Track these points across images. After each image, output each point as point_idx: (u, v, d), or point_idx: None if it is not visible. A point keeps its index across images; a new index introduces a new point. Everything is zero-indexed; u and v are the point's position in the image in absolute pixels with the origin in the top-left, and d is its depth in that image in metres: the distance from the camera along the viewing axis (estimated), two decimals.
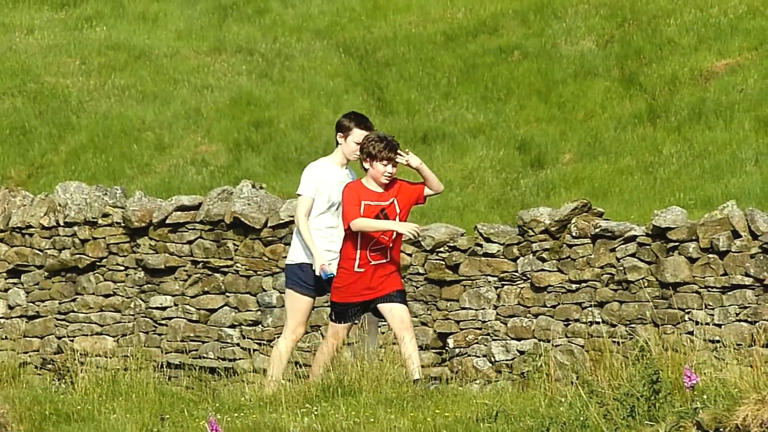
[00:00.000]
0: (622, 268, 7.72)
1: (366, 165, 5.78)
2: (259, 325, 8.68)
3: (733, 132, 14.88)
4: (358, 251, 5.69)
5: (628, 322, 7.67)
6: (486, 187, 15.10)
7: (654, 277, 7.63)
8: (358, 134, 6.02)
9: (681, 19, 17.73)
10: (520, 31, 18.90)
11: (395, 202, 5.81)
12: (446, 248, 8.17)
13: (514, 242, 7.90)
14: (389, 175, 5.71)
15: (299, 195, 6.07)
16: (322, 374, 5.65)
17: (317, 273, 5.80)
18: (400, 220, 5.78)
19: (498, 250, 7.98)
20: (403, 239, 6.06)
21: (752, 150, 14.27)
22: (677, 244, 7.55)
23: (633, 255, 7.71)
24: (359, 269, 5.72)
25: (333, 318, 5.95)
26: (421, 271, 8.28)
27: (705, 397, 3.19)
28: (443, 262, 8.06)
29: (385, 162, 5.65)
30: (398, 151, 5.78)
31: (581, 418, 3.48)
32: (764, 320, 7.16)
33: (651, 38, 17.60)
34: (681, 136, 15.27)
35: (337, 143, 6.17)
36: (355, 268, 5.71)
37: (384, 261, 5.77)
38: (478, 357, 7.94)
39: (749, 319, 7.27)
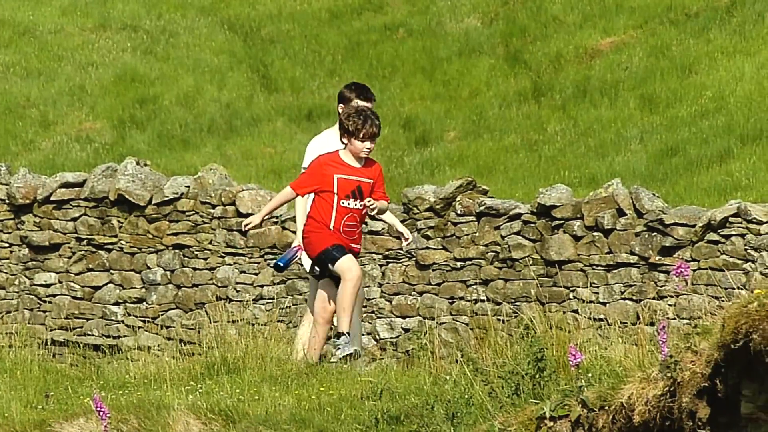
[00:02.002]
0: (506, 246, 7.80)
1: (344, 140, 5.56)
2: (144, 303, 8.70)
3: (618, 110, 15.00)
4: (333, 222, 5.46)
5: (512, 300, 7.74)
6: None
7: (539, 255, 7.71)
8: (359, 105, 5.81)
9: None
10: (405, 9, 18.79)
11: (372, 183, 5.61)
12: None
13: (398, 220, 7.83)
14: (368, 150, 5.53)
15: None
16: (323, 351, 5.60)
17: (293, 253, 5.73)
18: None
19: (382, 228, 7.96)
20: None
21: (637, 128, 14.43)
22: (562, 222, 7.64)
23: (518, 233, 7.80)
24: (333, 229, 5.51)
25: (318, 274, 5.61)
26: None
27: (590, 375, 3.11)
28: None
29: (363, 139, 5.46)
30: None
31: (466, 396, 3.42)
32: (649, 298, 7.34)
33: (536, 16, 17.56)
34: (566, 114, 15.32)
35: (339, 114, 5.88)
36: (330, 226, 5.48)
37: (354, 240, 5.59)
38: (363, 335, 7.55)
39: (634, 298, 7.43)
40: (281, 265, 5.84)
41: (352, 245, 5.58)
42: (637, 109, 14.90)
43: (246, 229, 5.94)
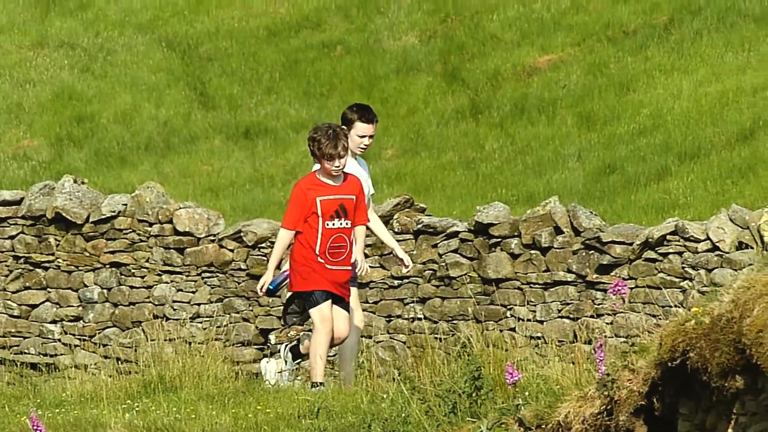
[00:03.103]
0: (444, 263, 7.74)
1: (316, 162, 5.49)
2: (81, 321, 8.67)
3: (555, 128, 14.95)
4: (318, 246, 5.40)
5: (450, 319, 7.68)
6: None
7: (476, 273, 7.64)
8: (361, 127, 5.84)
9: (504, 14, 17.61)
10: (343, 27, 18.78)
11: (355, 200, 5.52)
12: (268, 243, 7.98)
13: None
14: (338, 168, 5.40)
15: None
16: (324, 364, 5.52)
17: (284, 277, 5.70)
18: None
19: None
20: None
21: (575, 146, 14.35)
22: (499, 240, 7.58)
23: (455, 251, 7.73)
24: (320, 260, 5.45)
25: (311, 304, 5.49)
26: (243, 266, 8.30)
27: (527, 393, 3.08)
28: (265, 258, 7.70)
29: (330, 160, 5.35)
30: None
31: (403, 415, 3.38)
32: (586, 317, 7.27)
33: (474, 34, 17.50)
34: (504, 131, 15.23)
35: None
36: (316, 250, 5.41)
37: (342, 261, 5.52)
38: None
39: (571, 316, 7.39)
40: (271, 288, 5.76)
41: (341, 287, 5.51)
42: (575, 127, 14.85)
43: (262, 293, 5.83)
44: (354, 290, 5.90)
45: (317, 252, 5.38)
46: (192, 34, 18.74)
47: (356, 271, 5.77)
